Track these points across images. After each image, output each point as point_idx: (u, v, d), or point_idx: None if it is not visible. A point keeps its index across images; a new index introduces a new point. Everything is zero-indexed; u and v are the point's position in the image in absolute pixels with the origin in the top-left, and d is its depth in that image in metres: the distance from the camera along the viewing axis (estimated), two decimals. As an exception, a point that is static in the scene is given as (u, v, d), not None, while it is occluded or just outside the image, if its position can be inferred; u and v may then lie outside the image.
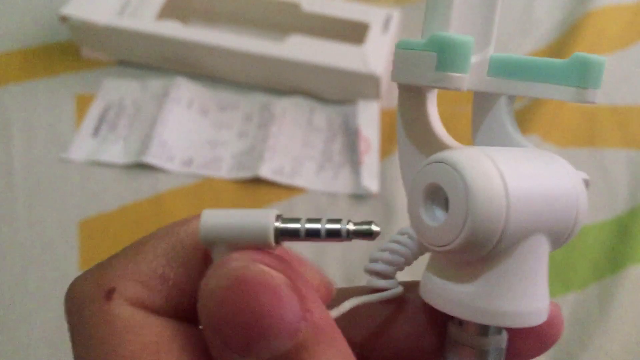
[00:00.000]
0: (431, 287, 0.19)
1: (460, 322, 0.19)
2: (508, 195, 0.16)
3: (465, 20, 0.19)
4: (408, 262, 0.21)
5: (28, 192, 0.55)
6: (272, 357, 0.13)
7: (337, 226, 0.16)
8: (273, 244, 0.16)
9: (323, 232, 0.16)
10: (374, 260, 0.21)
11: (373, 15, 0.65)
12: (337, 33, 0.64)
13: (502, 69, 0.20)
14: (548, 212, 0.17)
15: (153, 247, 0.16)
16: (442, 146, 0.19)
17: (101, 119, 0.60)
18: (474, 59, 0.20)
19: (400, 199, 0.55)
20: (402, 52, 0.19)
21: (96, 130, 0.60)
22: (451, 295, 0.18)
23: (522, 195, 0.17)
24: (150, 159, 0.56)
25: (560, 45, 0.67)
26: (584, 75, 0.19)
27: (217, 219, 0.16)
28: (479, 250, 0.17)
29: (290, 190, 0.56)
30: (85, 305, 0.15)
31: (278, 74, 0.62)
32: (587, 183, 0.19)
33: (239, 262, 0.14)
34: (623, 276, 0.49)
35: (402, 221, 0.53)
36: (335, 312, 0.18)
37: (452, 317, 0.19)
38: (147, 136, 0.58)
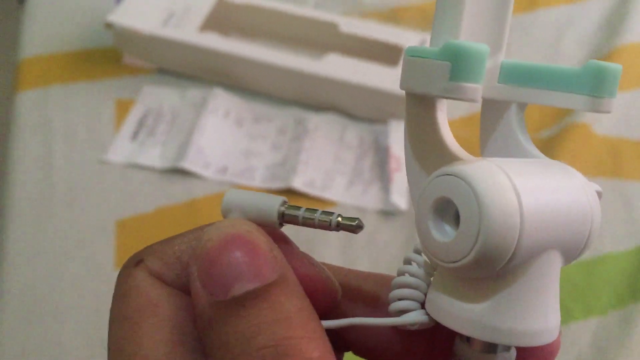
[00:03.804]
0: (438, 304, 0.18)
1: (468, 339, 0.19)
2: (522, 211, 0.16)
3: (477, 24, 0.18)
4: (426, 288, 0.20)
5: (67, 191, 0.57)
6: (241, 298, 0.16)
7: (328, 217, 0.18)
8: (277, 223, 0.18)
9: (316, 221, 0.18)
10: (395, 299, 0.20)
11: (407, 39, 0.67)
12: (372, 54, 0.66)
13: (514, 75, 0.19)
14: (562, 227, 0.17)
15: (182, 237, 0.19)
16: (452, 158, 0.18)
17: (140, 124, 0.62)
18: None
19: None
20: (413, 59, 0.18)
21: (135, 135, 0.61)
22: (459, 313, 0.18)
23: (537, 210, 0.16)
24: (187, 164, 0.58)
25: None
26: (598, 83, 0.18)
27: (237, 195, 0.19)
28: (491, 268, 0.16)
29: (321, 202, 0.57)
30: (122, 269, 0.19)
31: (313, 90, 0.64)
32: (599, 195, 0.19)
33: (230, 222, 0.17)
34: (644, 305, 0.50)
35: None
36: (330, 323, 0.19)
37: (459, 334, 0.19)
38: (184, 143, 0.60)
